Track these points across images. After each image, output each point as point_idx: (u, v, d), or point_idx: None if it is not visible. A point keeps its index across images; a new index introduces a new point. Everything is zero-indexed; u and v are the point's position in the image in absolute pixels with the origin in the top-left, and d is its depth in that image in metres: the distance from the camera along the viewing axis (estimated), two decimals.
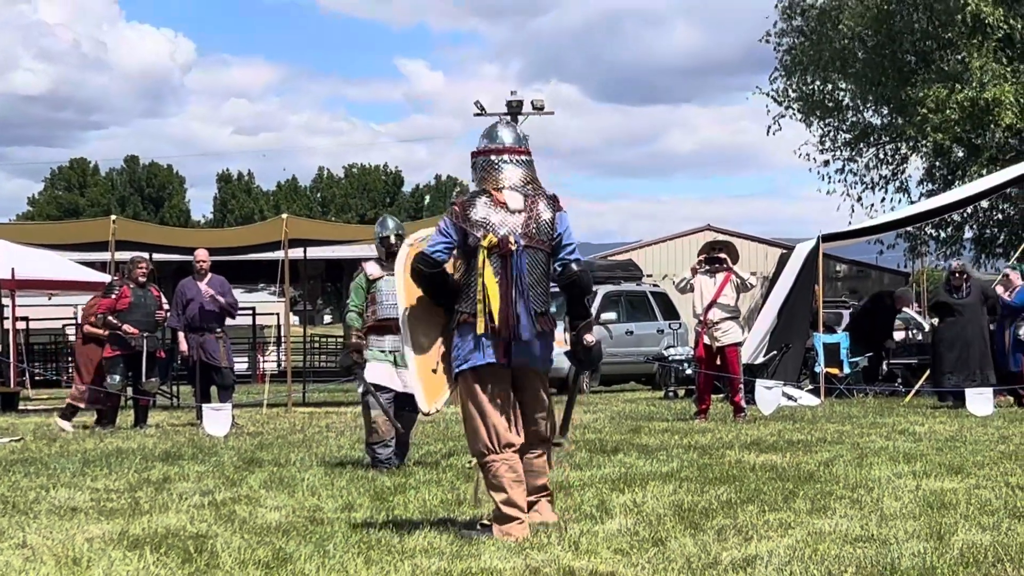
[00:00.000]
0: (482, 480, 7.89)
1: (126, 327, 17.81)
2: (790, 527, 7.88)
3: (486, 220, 7.68)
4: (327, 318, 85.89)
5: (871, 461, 11.46)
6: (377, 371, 11.61)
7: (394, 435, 11.66)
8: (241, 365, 33.27)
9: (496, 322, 7.58)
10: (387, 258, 11.70)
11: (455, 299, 7.79)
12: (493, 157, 7.89)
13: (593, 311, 27.29)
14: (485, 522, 7.82)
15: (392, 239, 11.90)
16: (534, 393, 7.97)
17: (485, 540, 7.51)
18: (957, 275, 20.37)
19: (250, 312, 36.68)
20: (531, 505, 7.87)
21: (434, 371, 8.04)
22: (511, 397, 7.81)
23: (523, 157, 7.93)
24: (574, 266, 7.95)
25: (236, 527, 8.31)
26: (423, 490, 9.94)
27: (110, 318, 17.91)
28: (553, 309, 8.03)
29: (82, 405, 18.46)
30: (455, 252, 7.81)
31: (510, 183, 7.82)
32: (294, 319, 43.35)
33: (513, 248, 7.62)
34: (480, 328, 7.59)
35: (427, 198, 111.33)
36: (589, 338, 8.21)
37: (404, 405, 11.46)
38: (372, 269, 11.82)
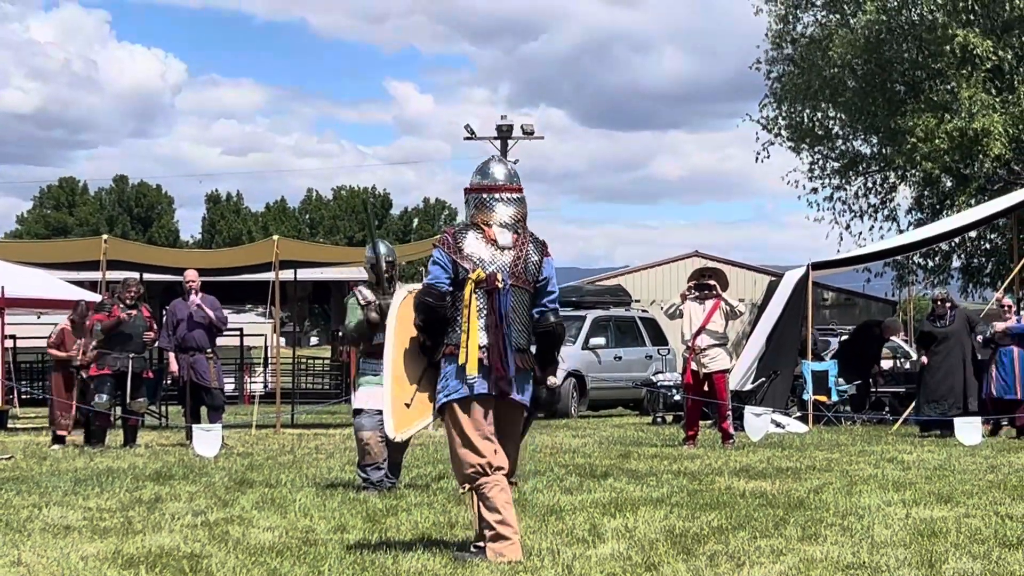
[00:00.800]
0: (477, 503, 7.89)
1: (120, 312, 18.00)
2: (782, 553, 7.92)
3: (476, 255, 7.78)
4: (314, 339, 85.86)
5: (860, 489, 11.51)
6: (370, 394, 11.54)
7: (386, 457, 11.68)
8: (228, 386, 33.23)
9: (470, 357, 7.65)
10: (377, 283, 11.79)
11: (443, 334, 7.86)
12: (485, 195, 7.95)
13: (582, 336, 27.81)
14: (479, 544, 7.84)
15: (383, 265, 11.94)
16: (512, 427, 8.01)
17: (479, 563, 7.55)
18: (940, 303, 20.48)
19: (238, 333, 36.69)
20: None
21: (407, 405, 8.09)
22: (493, 426, 7.85)
23: (515, 195, 7.98)
24: (551, 316, 7.99)
25: (230, 547, 8.33)
26: (415, 512, 9.97)
27: (106, 324, 17.94)
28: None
29: (62, 432, 18.74)
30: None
31: (500, 221, 7.88)
32: (281, 340, 43.35)
33: (500, 286, 7.72)
34: (461, 359, 7.68)
35: (415, 221, 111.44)
36: (553, 380, 8.23)
37: None
38: (365, 294, 11.85)
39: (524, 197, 8.05)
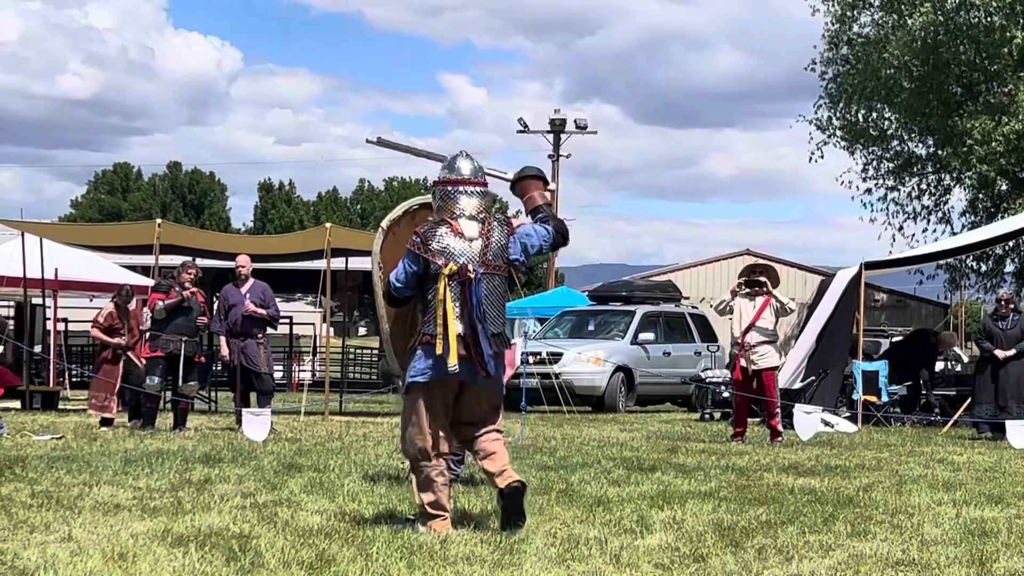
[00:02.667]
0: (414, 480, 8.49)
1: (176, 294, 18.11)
2: (831, 549, 7.89)
3: (446, 249, 8.22)
4: (362, 330, 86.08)
5: (910, 488, 11.45)
6: None
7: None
8: (277, 373, 33.39)
9: (450, 348, 8.07)
10: None
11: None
12: (450, 188, 8.42)
13: (631, 331, 27.76)
14: (411, 517, 8.45)
15: None
16: (481, 409, 8.45)
17: (526, 549, 7.55)
18: (1004, 304, 20.31)
19: (287, 321, 36.84)
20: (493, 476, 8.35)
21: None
22: (450, 410, 8.36)
23: (478, 188, 8.44)
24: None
25: (279, 528, 8.36)
26: (462, 499, 9.97)
27: (168, 302, 18.02)
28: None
29: (108, 414, 18.92)
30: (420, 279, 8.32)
31: (466, 213, 8.34)
32: (330, 330, 43.51)
33: (472, 276, 8.15)
34: (439, 349, 8.12)
35: None
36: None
37: None
38: None
39: (488, 191, 8.52)
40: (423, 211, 8.88)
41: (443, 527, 8.21)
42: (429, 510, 8.28)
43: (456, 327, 8.10)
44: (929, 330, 28.12)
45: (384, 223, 9.05)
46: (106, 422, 18.86)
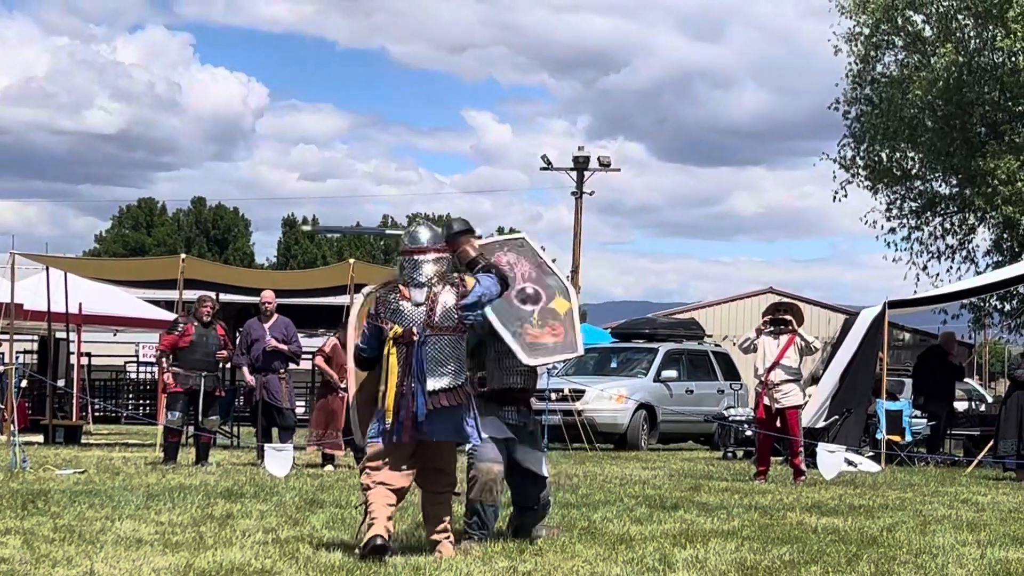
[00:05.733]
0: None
1: (166, 376, 18.11)
2: None
3: (395, 313, 8.83)
4: None
5: (934, 528, 11.39)
6: (489, 421, 9.64)
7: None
8: (299, 408, 33.40)
9: (388, 405, 8.71)
10: None
11: None
12: (405, 257, 9.04)
13: (654, 368, 27.73)
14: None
15: None
16: (435, 456, 9.02)
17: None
18: None
19: (309, 357, 36.82)
20: (434, 544, 9.00)
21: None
22: (407, 460, 8.90)
23: (432, 255, 8.98)
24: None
25: (300, 564, 8.35)
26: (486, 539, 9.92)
27: (163, 360, 18.17)
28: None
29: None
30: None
31: (416, 280, 8.89)
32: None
33: (416, 339, 8.70)
34: (379, 404, 8.82)
35: None
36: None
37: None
38: None
39: (446, 256, 9.08)
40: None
41: (372, 531, 8.60)
42: (365, 530, 8.74)
43: (393, 388, 8.71)
44: (933, 346, 27.80)
45: (364, 291, 9.67)
46: (327, 459, 18.54)
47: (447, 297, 8.86)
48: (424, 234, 9.02)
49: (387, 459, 8.84)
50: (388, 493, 8.80)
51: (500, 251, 9.80)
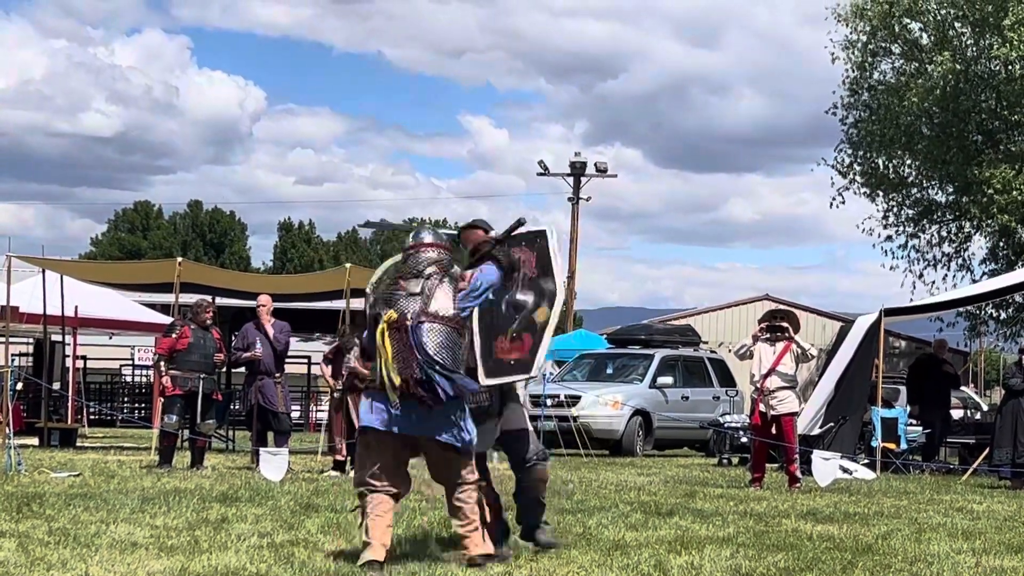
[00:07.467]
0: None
1: (165, 379, 18.08)
2: None
3: (389, 299, 8.76)
4: None
5: (929, 536, 11.38)
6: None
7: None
8: (294, 413, 33.42)
9: (394, 384, 8.49)
10: None
11: None
12: (407, 252, 9.03)
13: (649, 374, 27.73)
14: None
15: None
16: (438, 468, 8.87)
17: None
18: None
19: (305, 361, 36.87)
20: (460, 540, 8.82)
21: None
22: (400, 454, 8.75)
23: (431, 250, 8.96)
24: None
25: (295, 569, 8.35)
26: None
27: (161, 364, 18.17)
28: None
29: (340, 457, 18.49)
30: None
31: (415, 271, 8.86)
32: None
33: (409, 323, 8.57)
34: (387, 393, 8.56)
35: None
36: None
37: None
38: None
39: (446, 256, 9.00)
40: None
41: (367, 553, 8.46)
42: (362, 536, 8.64)
43: (395, 368, 8.51)
44: (923, 354, 27.80)
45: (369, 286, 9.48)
46: (338, 466, 18.38)
47: (444, 288, 8.81)
48: (427, 234, 9.11)
49: (379, 462, 8.67)
50: (384, 500, 8.65)
51: (517, 247, 9.70)
